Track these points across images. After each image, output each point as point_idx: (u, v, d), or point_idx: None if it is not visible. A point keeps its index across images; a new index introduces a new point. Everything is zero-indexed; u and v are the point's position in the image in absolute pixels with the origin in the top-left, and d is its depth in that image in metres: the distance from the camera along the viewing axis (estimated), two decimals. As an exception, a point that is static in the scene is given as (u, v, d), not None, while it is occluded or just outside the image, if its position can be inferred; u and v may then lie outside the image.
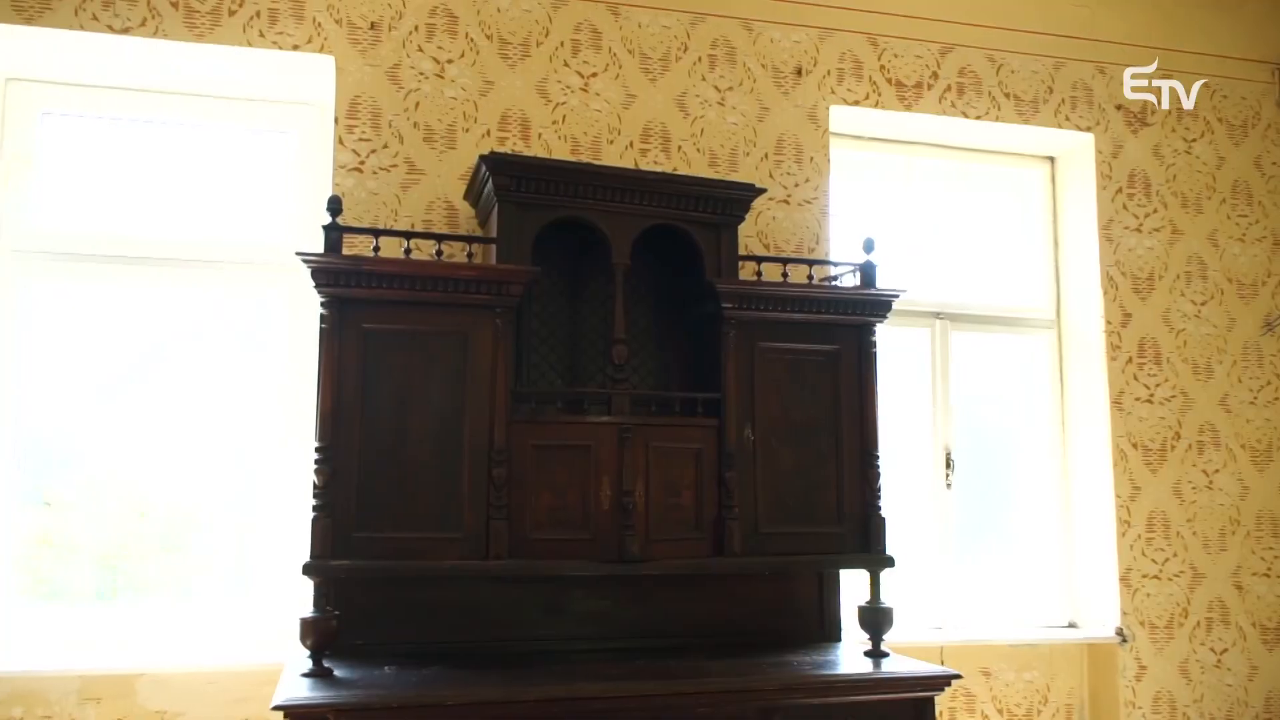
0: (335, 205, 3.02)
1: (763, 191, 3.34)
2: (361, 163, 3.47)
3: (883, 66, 4.01)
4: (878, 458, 3.36)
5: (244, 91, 3.67)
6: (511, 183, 3.12)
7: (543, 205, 3.16)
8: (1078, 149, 4.30)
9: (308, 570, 2.85)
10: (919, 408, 4.19)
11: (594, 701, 2.75)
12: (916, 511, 4.13)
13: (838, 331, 3.38)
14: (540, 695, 2.71)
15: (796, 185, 3.86)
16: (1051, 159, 4.46)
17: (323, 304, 2.94)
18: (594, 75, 3.71)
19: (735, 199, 3.31)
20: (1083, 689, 4.08)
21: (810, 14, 3.95)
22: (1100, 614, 4.09)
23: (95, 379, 3.61)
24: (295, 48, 3.47)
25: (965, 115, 4.08)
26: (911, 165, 4.30)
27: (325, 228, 2.99)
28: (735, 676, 2.91)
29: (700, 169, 3.76)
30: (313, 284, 2.91)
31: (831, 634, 3.57)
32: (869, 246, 3.46)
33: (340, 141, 3.46)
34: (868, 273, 3.45)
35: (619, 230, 3.22)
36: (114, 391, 3.63)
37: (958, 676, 3.04)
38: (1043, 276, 4.40)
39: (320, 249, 2.97)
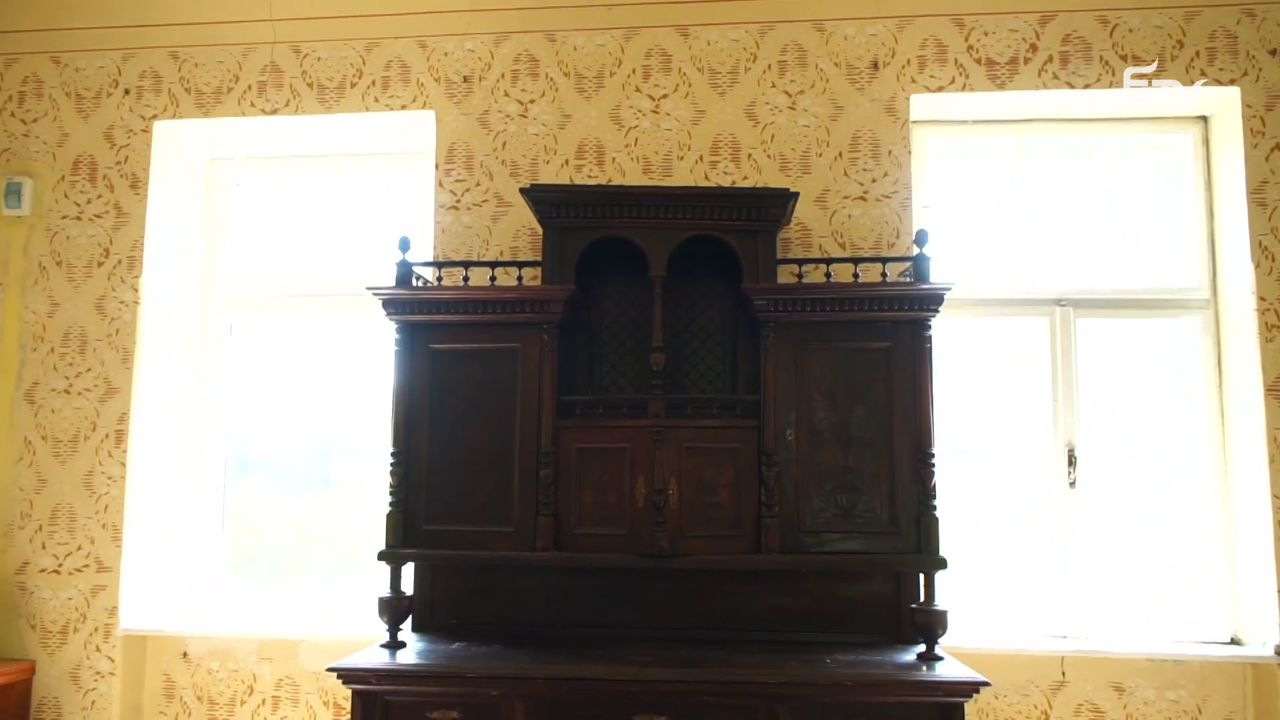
0: (404, 244, 3.51)
1: (795, 195, 3.38)
2: (458, 201, 3.95)
3: (970, 47, 3.83)
4: (932, 457, 3.28)
5: (370, 148, 4.30)
6: (552, 210, 3.45)
7: (582, 227, 3.46)
8: (1226, 105, 3.81)
9: (382, 557, 3.36)
10: (1038, 401, 3.93)
11: (599, 683, 2.99)
12: (1035, 511, 3.89)
13: (887, 328, 3.34)
14: (548, 674, 3.00)
15: (874, 181, 3.81)
16: (1204, 119, 3.97)
17: (395, 329, 3.44)
18: (664, 97, 3.92)
19: (768, 205, 3.39)
20: (1245, 713, 3.61)
21: (888, 4, 3.87)
22: (1260, 630, 3.61)
23: (300, 394, 4.38)
24: (403, 107, 4.03)
25: (1071, 86, 3.78)
26: (1023, 143, 4.04)
27: (397, 264, 3.49)
28: (744, 669, 3.01)
29: (771, 175, 3.84)
30: (384, 313, 3.42)
31: (909, 636, 3.50)
32: (921, 240, 3.37)
33: (440, 184, 3.97)
34: (920, 267, 3.36)
35: (656, 244, 3.43)
36: (319, 404, 4.38)
37: (985, 684, 2.91)
38: (1194, 252, 3.93)
39: (419, 280, 3.49)
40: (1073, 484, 3.85)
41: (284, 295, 4.33)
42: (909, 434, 3.30)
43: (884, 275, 3.45)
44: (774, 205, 3.39)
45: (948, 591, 3.86)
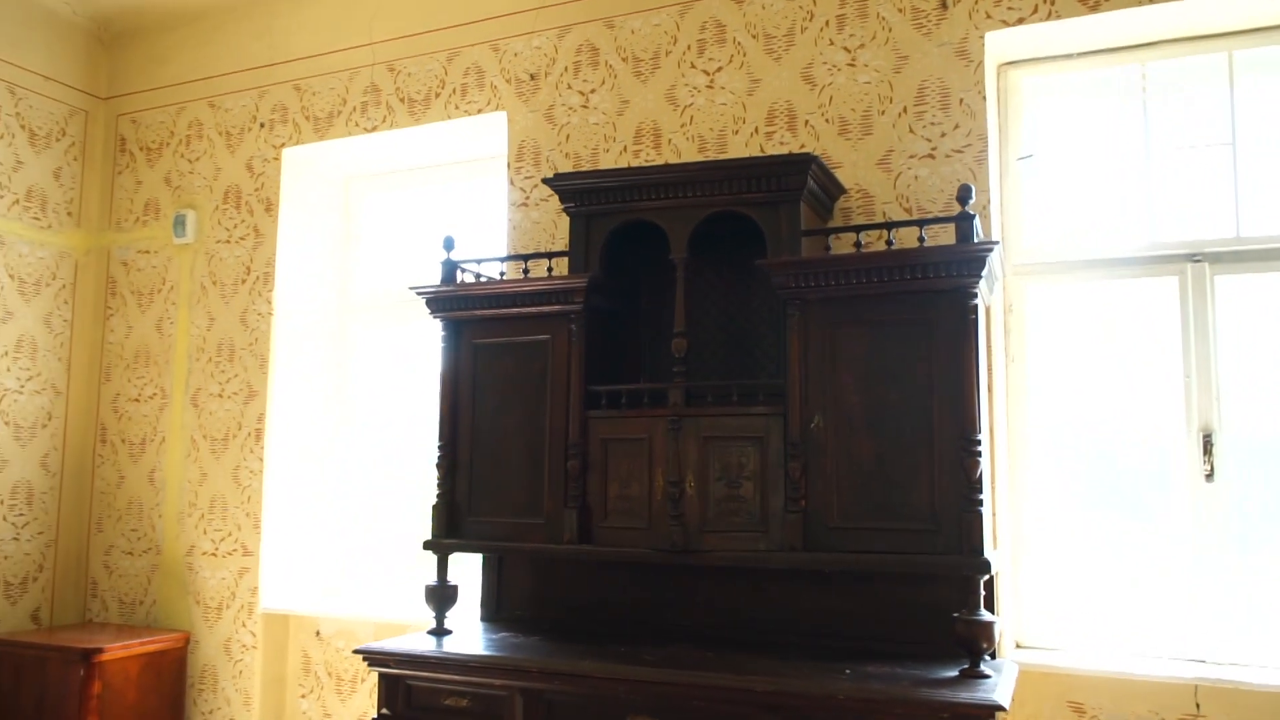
0: (449, 243, 3.62)
1: (812, 159, 3.07)
2: (527, 198, 4.00)
3: (1056, -33, 3.29)
4: (977, 444, 2.85)
5: (473, 155, 4.47)
6: (575, 198, 3.40)
7: (605, 214, 3.38)
8: None
9: (427, 546, 3.49)
10: (1167, 379, 3.29)
11: (590, 680, 2.89)
12: (1164, 509, 3.26)
13: (927, 300, 2.94)
14: (542, 667, 2.96)
15: (943, 135, 3.38)
16: (1392, 13, 3.13)
17: (440, 326, 3.55)
18: (719, 70, 3.73)
19: (785, 173, 3.12)
20: None
21: (959, -66, 3.42)
22: None
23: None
24: (479, 111, 4.15)
25: (1183, -4, 3.13)
26: (1145, 73, 3.40)
27: (442, 263, 3.60)
28: (739, 675, 2.78)
29: (829, 141, 3.53)
30: (428, 311, 3.55)
31: (981, 649, 3.07)
32: (964, 196, 2.94)
33: (511, 182, 4.04)
34: (963, 227, 2.93)
35: (676, 225, 3.28)
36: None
37: (1000, 708, 2.48)
38: (1379, 182, 3.11)
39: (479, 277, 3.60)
40: (1209, 476, 3.18)
41: (410, 299, 4.60)
42: (952, 419, 2.89)
43: (921, 239, 3.04)
44: (792, 173, 3.11)
45: (1054, 600, 3.35)
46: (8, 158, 4.60)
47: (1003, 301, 3.48)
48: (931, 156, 3.40)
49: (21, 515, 4.59)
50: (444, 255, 3.61)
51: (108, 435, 4.82)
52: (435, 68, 4.26)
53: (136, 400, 4.77)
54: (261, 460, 4.42)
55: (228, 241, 4.63)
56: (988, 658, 2.84)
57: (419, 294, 3.55)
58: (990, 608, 3.07)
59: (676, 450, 3.14)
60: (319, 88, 4.51)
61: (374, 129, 4.36)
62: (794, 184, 3.13)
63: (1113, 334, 3.39)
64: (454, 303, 3.51)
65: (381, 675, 3.20)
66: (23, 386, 4.61)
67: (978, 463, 2.84)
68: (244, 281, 4.57)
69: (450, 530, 3.48)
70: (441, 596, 3.47)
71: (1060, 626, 3.35)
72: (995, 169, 3.46)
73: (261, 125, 4.62)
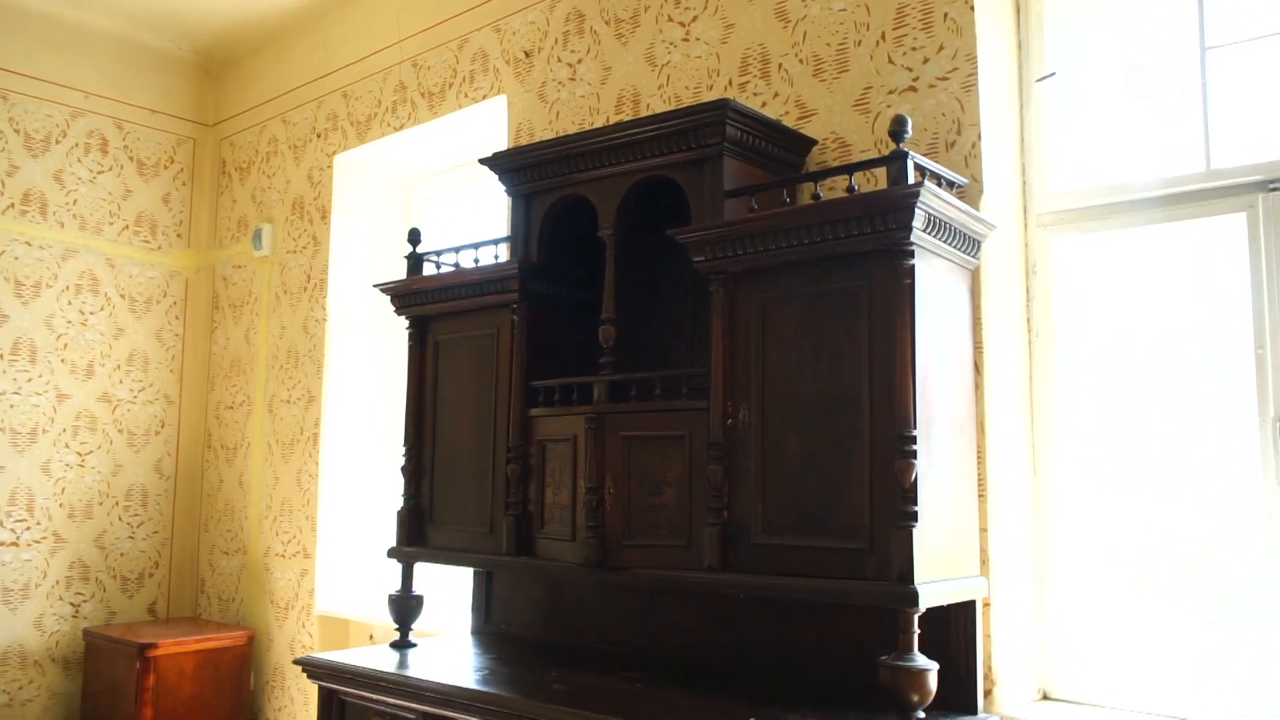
0: (414, 236, 3.45)
1: (727, 104, 2.58)
2: (523, 183, 3.75)
3: None
4: (911, 442, 2.25)
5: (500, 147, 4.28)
6: (510, 178, 3.12)
7: (543, 191, 3.07)
8: None
9: (391, 555, 3.33)
10: (1230, 349, 2.45)
11: (474, 706, 2.60)
12: (1227, 522, 2.43)
13: (859, 264, 2.38)
14: (436, 689, 2.72)
15: (925, 62, 2.74)
16: None
17: (407, 322, 3.39)
18: (694, 20, 3.29)
19: (704, 124, 2.64)
20: None
21: None
22: None
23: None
24: (484, 97, 3.96)
25: None
26: (1198, -51, 2.57)
27: (406, 256, 3.44)
28: (612, 715, 2.38)
29: (803, 86, 2.99)
30: (393, 309, 3.41)
31: (960, 700, 2.44)
32: (898, 129, 2.34)
33: (509, 169, 3.80)
34: (894, 169, 2.33)
35: (605, 197, 2.91)
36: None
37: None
38: None
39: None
40: (1288, 481, 2.33)
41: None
42: (885, 412, 2.30)
43: (851, 189, 2.46)
44: (708, 124, 2.62)
45: (1092, 638, 2.62)
46: (117, 188, 5.01)
47: (1024, 262, 2.78)
48: (913, 89, 2.77)
49: (136, 516, 4.97)
50: (410, 249, 3.45)
51: (211, 441, 5.12)
52: (449, 57, 4.12)
53: (231, 407, 5.03)
54: (318, 464, 4.49)
55: (294, 251, 4.77)
56: (921, 713, 2.23)
57: (382, 290, 3.42)
58: (957, 648, 2.45)
59: (596, 452, 2.77)
60: (360, 92, 4.52)
61: (401, 127, 4.30)
62: (711, 136, 2.65)
63: (1162, 294, 2.59)
64: (411, 298, 3.34)
65: (320, 687, 3.08)
66: (135, 397, 5.00)
67: (911, 466, 2.25)
68: (305, 290, 4.67)
69: (414, 538, 3.30)
70: (403, 607, 3.30)
71: (1099, 674, 2.60)
72: (1007, 97, 2.77)
73: (318, 135, 4.71)
